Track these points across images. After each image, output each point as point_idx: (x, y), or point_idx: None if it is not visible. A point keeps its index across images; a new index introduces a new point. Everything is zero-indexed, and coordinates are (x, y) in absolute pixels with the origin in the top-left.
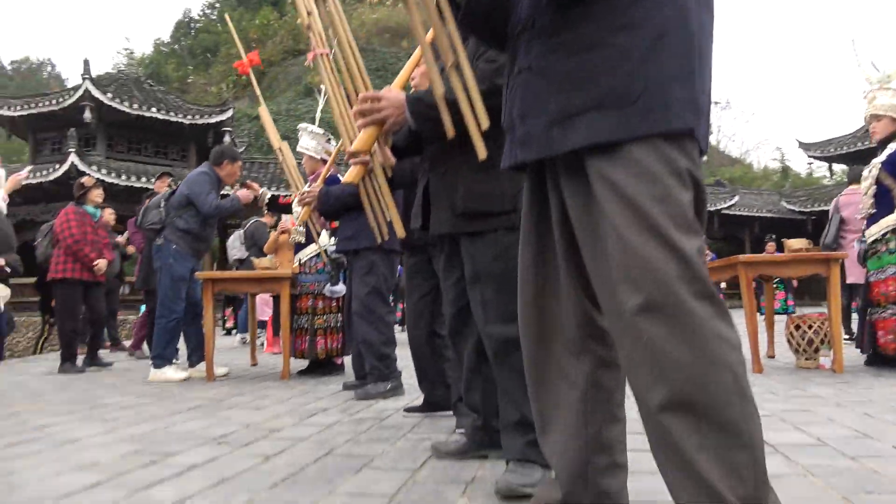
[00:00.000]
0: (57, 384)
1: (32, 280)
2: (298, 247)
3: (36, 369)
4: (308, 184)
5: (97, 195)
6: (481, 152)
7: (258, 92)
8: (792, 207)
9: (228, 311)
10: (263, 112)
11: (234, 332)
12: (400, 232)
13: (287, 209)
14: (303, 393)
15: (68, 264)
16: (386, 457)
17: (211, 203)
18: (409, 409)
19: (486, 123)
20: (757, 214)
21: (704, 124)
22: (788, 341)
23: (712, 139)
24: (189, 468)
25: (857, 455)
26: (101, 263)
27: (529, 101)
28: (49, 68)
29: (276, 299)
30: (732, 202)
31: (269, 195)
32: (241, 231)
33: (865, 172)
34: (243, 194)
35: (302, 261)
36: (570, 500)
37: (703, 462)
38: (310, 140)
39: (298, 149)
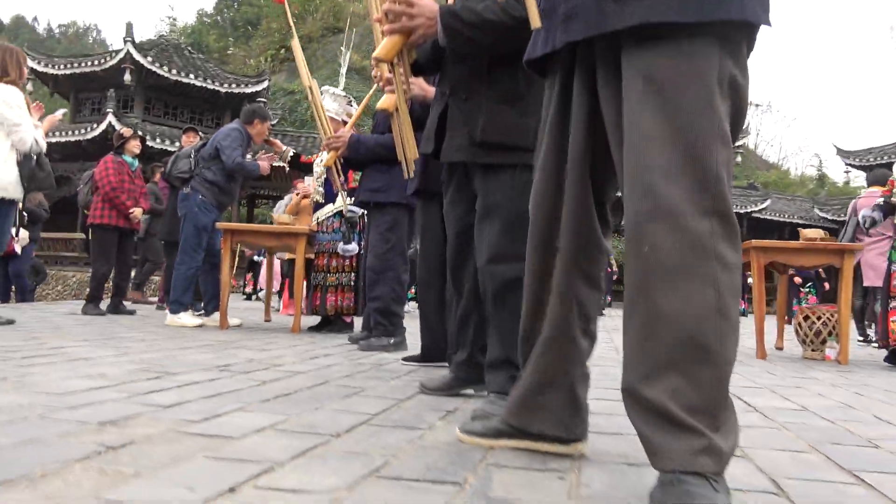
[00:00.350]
0: (78, 322)
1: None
2: (317, 206)
3: (60, 310)
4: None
5: (135, 146)
6: (535, 20)
7: (291, 23)
8: (824, 216)
9: (249, 276)
10: (296, 46)
11: (253, 297)
12: (414, 153)
13: (309, 168)
14: (309, 343)
15: (105, 211)
16: (377, 389)
17: (235, 157)
18: (406, 359)
19: (536, 22)
20: (787, 220)
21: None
22: (796, 332)
23: (750, 142)
24: (189, 384)
25: (835, 419)
26: (137, 212)
27: None
28: (94, 33)
29: (289, 265)
30: (763, 206)
31: (291, 153)
32: (283, 201)
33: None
34: (264, 166)
35: (319, 220)
36: (539, 400)
37: (669, 374)
38: (332, 102)
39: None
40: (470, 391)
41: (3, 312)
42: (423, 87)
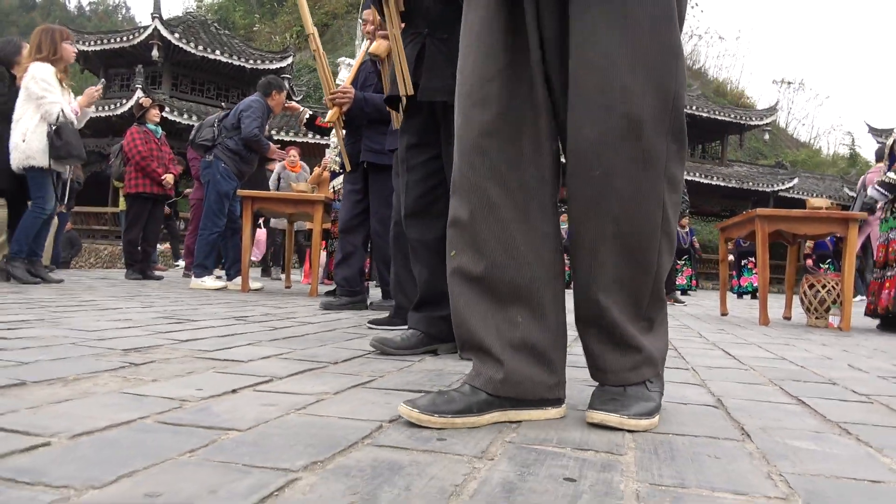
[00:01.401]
0: (110, 283)
1: (101, 209)
2: (333, 175)
3: (94, 275)
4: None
5: (155, 114)
6: None
7: None
8: (853, 194)
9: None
10: None
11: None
12: (409, 89)
13: (326, 132)
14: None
15: (139, 180)
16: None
17: (253, 129)
18: (374, 322)
19: None
20: None
21: None
22: (801, 300)
23: (781, 120)
24: (205, 328)
25: (808, 366)
26: (169, 177)
27: None
28: (123, 10)
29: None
30: (791, 185)
31: (308, 114)
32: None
33: (891, 144)
34: (278, 154)
35: (336, 188)
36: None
37: (616, 292)
38: (346, 73)
39: (337, 82)
40: (433, 350)
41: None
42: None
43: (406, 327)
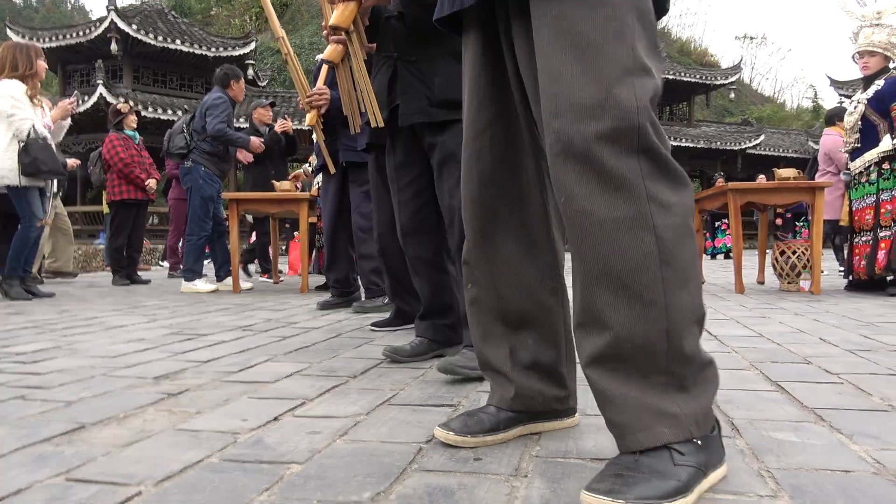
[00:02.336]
0: (99, 293)
1: (73, 209)
2: (316, 171)
3: (78, 283)
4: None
5: (132, 120)
6: None
7: None
8: (818, 148)
9: (252, 239)
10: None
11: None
12: (379, 120)
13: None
14: (318, 301)
15: (122, 186)
16: (384, 339)
17: (216, 125)
18: (376, 324)
19: None
20: (782, 154)
21: None
22: (773, 266)
23: (745, 76)
24: (219, 343)
25: (783, 342)
26: (152, 182)
27: None
28: (72, 0)
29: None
30: (757, 142)
31: (293, 128)
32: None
33: (851, 108)
34: (255, 143)
35: (320, 184)
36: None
37: (623, 331)
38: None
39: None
40: (440, 354)
41: (43, 288)
42: (365, 43)
43: (407, 326)
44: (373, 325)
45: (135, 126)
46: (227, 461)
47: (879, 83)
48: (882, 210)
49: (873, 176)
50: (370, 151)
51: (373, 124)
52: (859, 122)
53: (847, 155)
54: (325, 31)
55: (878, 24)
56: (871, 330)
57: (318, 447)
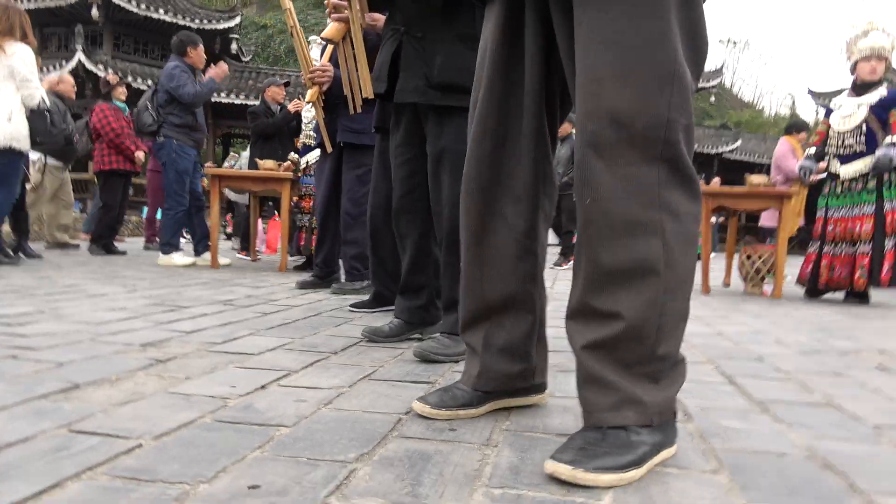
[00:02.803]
0: (76, 261)
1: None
2: (305, 150)
3: (53, 252)
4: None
5: (121, 92)
6: None
7: None
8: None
9: (229, 216)
10: None
11: (233, 237)
12: (368, 91)
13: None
14: (297, 280)
15: (112, 156)
16: (363, 319)
17: (189, 92)
18: (355, 305)
19: None
20: (757, 161)
21: None
22: (740, 269)
23: (726, 80)
24: (201, 315)
25: (740, 341)
26: (140, 154)
27: None
28: None
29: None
30: (735, 146)
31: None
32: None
33: (850, 110)
34: (216, 73)
35: (309, 163)
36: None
37: (618, 324)
38: (317, 51)
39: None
40: (417, 335)
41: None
42: (373, 17)
43: (384, 308)
44: (352, 305)
45: (123, 98)
46: (220, 422)
47: (881, 91)
48: (888, 220)
49: (871, 184)
50: (377, 133)
51: (365, 94)
52: (863, 126)
53: (834, 160)
54: (328, 6)
55: (880, 31)
56: (825, 334)
57: (305, 413)
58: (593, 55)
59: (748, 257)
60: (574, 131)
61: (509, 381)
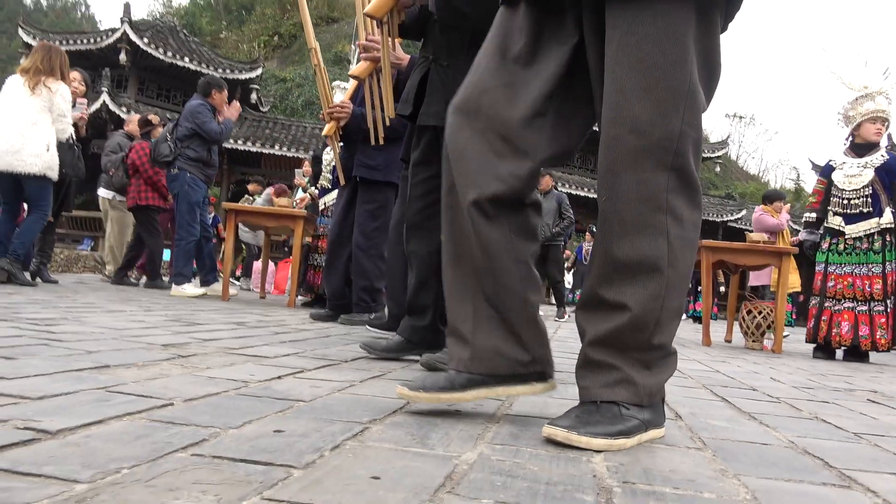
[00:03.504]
0: (91, 288)
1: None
2: (323, 192)
3: (67, 280)
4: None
5: (159, 132)
6: None
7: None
8: (798, 228)
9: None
10: (303, 6)
11: (242, 278)
12: (390, 111)
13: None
14: (305, 314)
15: (148, 192)
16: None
17: (214, 129)
18: (373, 326)
19: None
20: None
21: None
22: (740, 325)
23: (732, 152)
24: (217, 331)
25: (736, 376)
26: None
27: None
28: (83, 8)
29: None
30: (739, 216)
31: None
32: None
33: (855, 171)
34: (231, 112)
35: (326, 204)
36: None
37: (623, 316)
38: (341, 95)
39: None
40: (416, 356)
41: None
42: (397, 56)
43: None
44: (369, 323)
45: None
46: (243, 395)
47: (883, 154)
48: (889, 280)
49: (877, 245)
50: (405, 163)
51: (388, 114)
52: (869, 188)
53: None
54: (358, 47)
55: (882, 95)
56: (820, 377)
57: (321, 394)
58: (620, 71)
59: (748, 312)
60: (554, 185)
61: (509, 366)
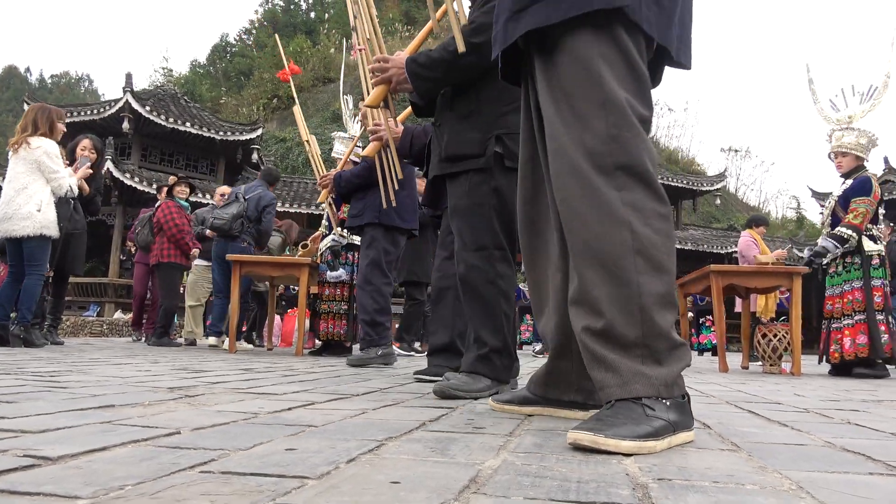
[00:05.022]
0: (97, 347)
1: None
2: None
3: (75, 341)
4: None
5: (181, 191)
6: (460, 46)
7: (294, 94)
8: (802, 255)
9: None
10: (297, 110)
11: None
12: (399, 174)
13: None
14: (314, 361)
15: (172, 250)
16: (383, 377)
17: (269, 231)
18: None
19: (461, 47)
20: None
21: (648, 9)
22: (755, 349)
23: (730, 185)
24: (225, 375)
25: (758, 393)
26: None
27: (501, 5)
28: (86, 83)
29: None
30: None
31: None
32: None
33: (828, 202)
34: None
35: (321, 252)
36: (557, 366)
37: (605, 306)
38: (340, 145)
39: (333, 154)
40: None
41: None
42: (395, 131)
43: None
44: (416, 373)
45: (183, 197)
46: (252, 423)
47: (849, 182)
48: (846, 299)
49: (840, 268)
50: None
51: (384, 204)
52: (829, 218)
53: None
54: (369, 131)
55: (848, 128)
56: (845, 393)
57: (334, 420)
58: (547, 107)
59: (763, 336)
60: None
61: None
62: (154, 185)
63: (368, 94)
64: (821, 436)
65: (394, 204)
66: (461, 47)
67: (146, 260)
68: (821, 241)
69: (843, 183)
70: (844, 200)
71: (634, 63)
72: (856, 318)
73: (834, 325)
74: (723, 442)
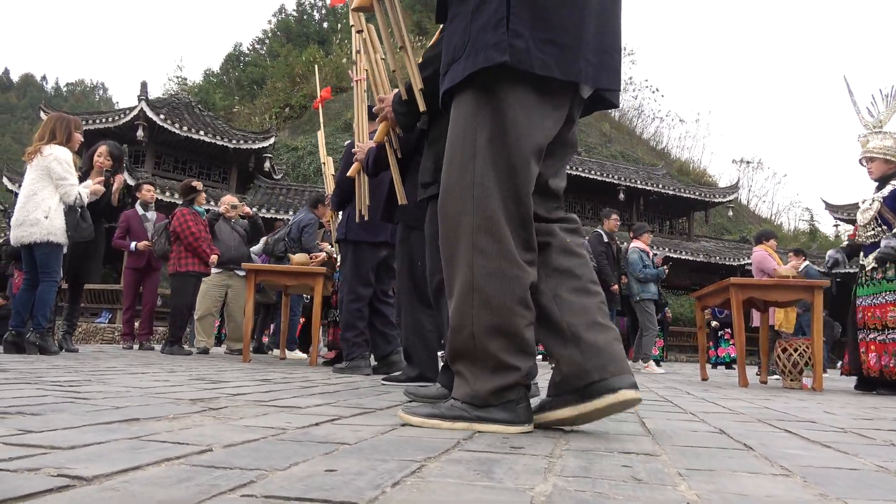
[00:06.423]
0: (111, 355)
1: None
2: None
3: (88, 349)
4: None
5: (202, 198)
6: (422, 105)
7: (321, 121)
8: (816, 268)
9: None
10: (321, 135)
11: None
12: (403, 200)
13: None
14: (328, 371)
15: (189, 258)
16: (400, 392)
17: (312, 244)
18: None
19: (422, 106)
20: None
21: (541, 51)
22: (776, 364)
23: (742, 197)
24: (244, 387)
25: (787, 410)
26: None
27: (445, 52)
28: (101, 91)
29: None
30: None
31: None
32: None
33: (865, 205)
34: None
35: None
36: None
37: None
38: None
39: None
40: None
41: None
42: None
43: (409, 376)
44: (384, 378)
45: (203, 203)
46: (282, 440)
47: (894, 183)
48: (881, 311)
49: (891, 272)
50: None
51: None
52: (877, 219)
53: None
54: (375, 111)
55: (876, 132)
56: (874, 411)
57: (365, 437)
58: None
59: (783, 350)
60: None
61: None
62: (167, 193)
63: (358, 121)
64: (871, 460)
65: (366, 217)
66: (421, 107)
67: (137, 264)
68: (886, 242)
69: (880, 188)
70: (893, 201)
71: (514, 115)
72: (889, 335)
73: (860, 336)
74: (772, 466)
